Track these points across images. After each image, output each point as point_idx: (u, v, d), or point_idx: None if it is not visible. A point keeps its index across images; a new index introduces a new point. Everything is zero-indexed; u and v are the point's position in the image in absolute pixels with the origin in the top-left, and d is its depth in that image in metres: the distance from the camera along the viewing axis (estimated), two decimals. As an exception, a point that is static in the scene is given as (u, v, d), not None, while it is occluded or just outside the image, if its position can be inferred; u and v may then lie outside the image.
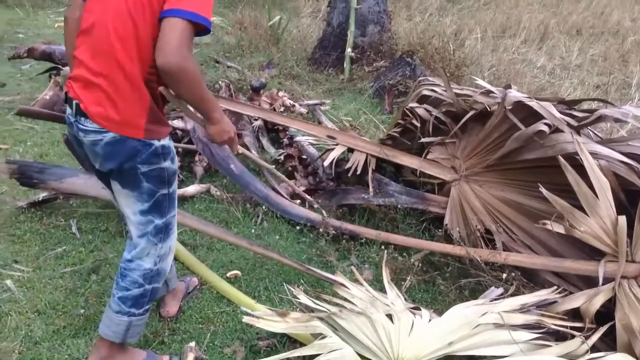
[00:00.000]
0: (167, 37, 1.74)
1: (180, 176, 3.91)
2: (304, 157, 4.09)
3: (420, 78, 3.85)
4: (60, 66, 5.19)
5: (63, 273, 2.85)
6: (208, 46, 7.14)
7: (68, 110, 1.98)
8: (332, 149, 3.66)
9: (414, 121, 3.51)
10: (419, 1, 12.25)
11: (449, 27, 9.08)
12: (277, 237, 3.35)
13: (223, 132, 2.08)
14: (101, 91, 1.88)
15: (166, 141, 2.04)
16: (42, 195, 3.32)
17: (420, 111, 3.51)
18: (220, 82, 4.79)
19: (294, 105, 4.57)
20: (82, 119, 1.91)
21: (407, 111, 3.60)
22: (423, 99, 3.60)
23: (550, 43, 8.91)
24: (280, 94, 4.63)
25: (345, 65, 6.15)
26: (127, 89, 1.88)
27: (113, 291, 2.20)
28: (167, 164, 2.05)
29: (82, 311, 2.57)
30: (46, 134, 4.39)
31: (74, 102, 1.92)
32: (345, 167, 3.55)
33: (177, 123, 4.25)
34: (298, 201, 3.64)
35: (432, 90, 3.53)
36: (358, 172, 3.52)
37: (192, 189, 3.77)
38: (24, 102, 4.78)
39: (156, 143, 1.99)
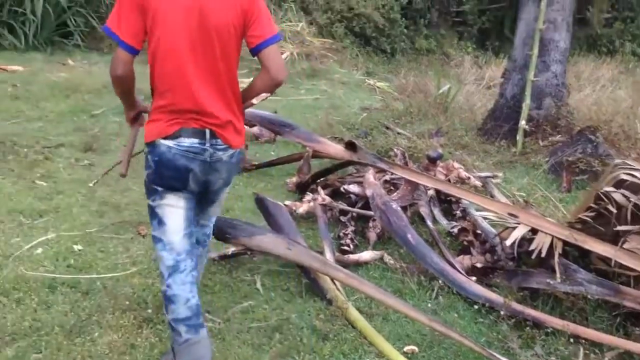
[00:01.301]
0: (278, 59, 2.42)
1: (355, 241, 3.98)
2: (479, 231, 4.00)
3: (617, 161, 3.65)
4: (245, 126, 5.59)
5: (250, 328, 2.98)
6: (378, 112, 7.33)
7: (192, 140, 2.31)
8: (513, 228, 3.55)
9: (609, 206, 3.31)
10: (589, 71, 11.75)
11: (624, 100, 8.58)
12: (454, 314, 3.27)
13: None
14: (232, 128, 2.37)
15: None
16: (232, 249, 3.53)
17: (617, 196, 3.30)
18: (395, 150, 4.87)
19: (469, 178, 4.51)
20: (218, 141, 2.35)
21: (600, 195, 3.40)
22: (619, 183, 3.39)
23: None
24: (456, 165, 4.60)
25: (518, 137, 6.00)
26: (240, 122, 2.43)
27: (202, 251, 2.72)
28: None
29: (268, 368, 2.66)
30: (231, 189, 4.68)
31: (207, 130, 2.32)
32: (529, 249, 3.41)
33: (353, 188, 4.37)
34: (474, 278, 3.55)
35: (631, 175, 3.32)
36: (543, 255, 3.36)
37: (366, 255, 3.81)
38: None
39: None
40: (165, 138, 2.29)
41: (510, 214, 3.61)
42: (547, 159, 5.63)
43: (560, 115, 6.13)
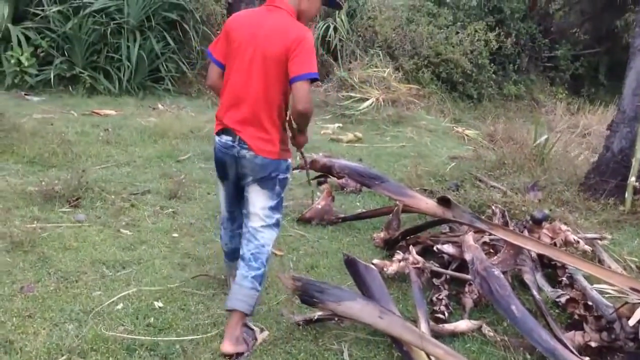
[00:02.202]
0: (302, 93, 2.84)
1: (449, 307, 3.64)
2: (590, 302, 3.56)
3: None
4: (331, 176, 5.40)
5: (340, 406, 2.70)
6: (468, 162, 6.97)
7: (227, 138, 3.01)
8: (634, 303, 3.12)
9: None
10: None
11: None
12: (568, 403, 2.86)
13: (306, 139, 3.25)
14: (255, 136, 2.96)
15: (289, 161, 3.12)
16: (317, 314, 3.28)
17: None
18: (494, 208, 4.51)
19: (578, 242, 4.08)
20: (244, 143, 2.97)
21: None
22: None
23: None
24: (563, 227, 4.18)
25: (627, 195, 5.47)
26: (268, 135, 2.97)
27: (245, 273, 3.00)
28: (289, 175, 3.13)
29: None
30: (316, 243, 4.48)
31: (237, 136, 2.97)
32: (656, 331, 2.97)
33: (447, 248, 4.04)
34: (587, 359, 3.13)
35: None
36: (673, 339, 2.92)
37: (463, 325, 3.46)
38: (297, 208, 5.00)
39: (288, 161, 3.10)
40: (216, 134, 3.07)
41: (633, 289, 3.18)
42: (661, 219, 5.10)
43: (675, 172, 5.55)
